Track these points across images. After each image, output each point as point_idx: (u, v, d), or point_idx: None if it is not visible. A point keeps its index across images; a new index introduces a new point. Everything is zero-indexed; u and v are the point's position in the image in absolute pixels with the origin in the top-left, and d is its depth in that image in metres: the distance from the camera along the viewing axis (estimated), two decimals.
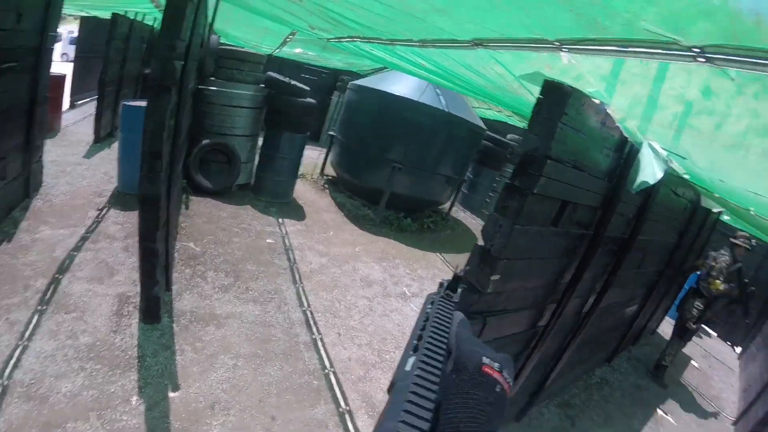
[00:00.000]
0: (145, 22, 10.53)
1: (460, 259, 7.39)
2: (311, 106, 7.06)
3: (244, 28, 7.84)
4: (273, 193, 7.21)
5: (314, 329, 4.24)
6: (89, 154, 7.25)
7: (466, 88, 4.73)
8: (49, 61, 5.02)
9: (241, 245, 5.42)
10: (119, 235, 4.84)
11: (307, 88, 7.21)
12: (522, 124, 10.88)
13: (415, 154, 7.69)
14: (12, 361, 2.97)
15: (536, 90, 2.36)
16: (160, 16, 10.11)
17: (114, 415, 2.77)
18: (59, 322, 3.41)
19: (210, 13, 5.64)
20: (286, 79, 7.01)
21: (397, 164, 7.49)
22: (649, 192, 3.27)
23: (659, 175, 2.39)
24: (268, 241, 5.78)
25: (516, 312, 2.84)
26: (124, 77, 9.09)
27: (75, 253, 4.35)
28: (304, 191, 8.30)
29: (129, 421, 2.77)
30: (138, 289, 3.71)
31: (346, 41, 4.78)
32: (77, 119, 9.36)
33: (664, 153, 2.49)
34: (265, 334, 3.94)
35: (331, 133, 9.08)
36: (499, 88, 3.42)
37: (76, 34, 12.07)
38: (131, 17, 9.14)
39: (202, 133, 6.39)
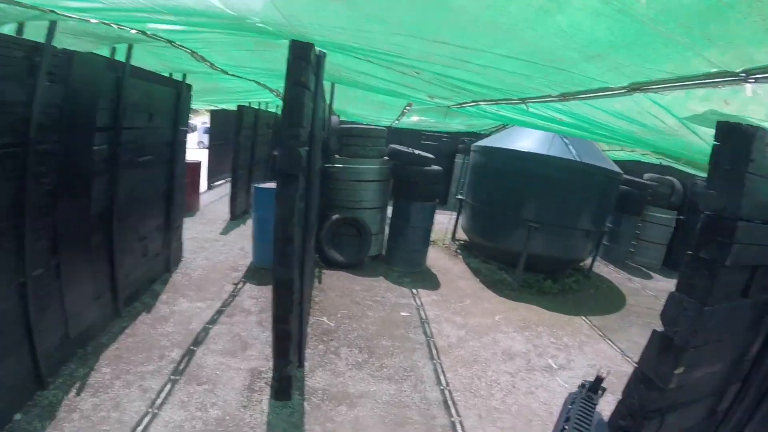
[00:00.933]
0: (269, 109, 11.77)
1: (608, 322, 6.56)
2: (437, 173, 7.10)
3: (361, 105, 8.28)
4: (406, 263, 7.20)
5: (453, 411, 3.90)
6: (225, 231, 7.99)
7: (608, 137, 4.29)
8: (183, 151, 5.84)
9: (375, 319, 5.38)
10: (254, 309, 5.10)
11: (432, 156, 7.27)
12: (658, 161, 9.74)
13: (550, 210, 7.19)
14: (140, 428, 3.12)
15: (703, 130, 1.98)
16: (280, 102, 11.26)
17: None
18: (190, 393, 3.56)
19: (328, 96, 6.00)
20: (410, 150, 7.17)
21: (532, 223, 7.05)
22: None
23: None
24: (402, 314, 5.67)
25: (696, 402, 2.30)
26: (254, 160, 10.18)
27: (210, 325, 4.65)
28: (436, 258, 8.17)
29: None
30: (270, 364, 3.79)
31: (469, 106, 4.70)
32: (214, 199, 10.55)
33: None
34: (400, 416, 3.70)
35: (460, 197, 8.96)
36: (654, 131, 2.98)
37: (208, 124, 14.21)
38: (255, 107, 10.28)
39: (332, 209, 6.71)
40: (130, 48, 4.25)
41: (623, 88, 2.03)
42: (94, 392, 3.46)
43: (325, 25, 2.51)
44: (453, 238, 9.36)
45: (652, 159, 9.45)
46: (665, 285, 9.40)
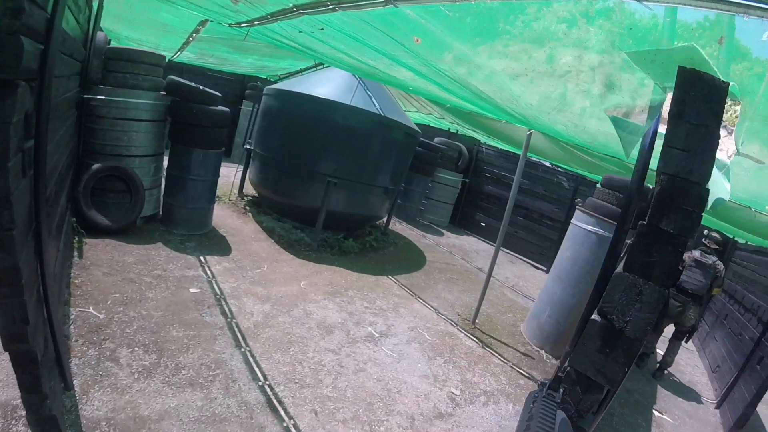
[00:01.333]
0: None
1: (414, 280, 6.65)
2: (225, 114, 5.83)
3: (140, 28, 6.39)
4: (188, 224, 5.87)
5: (282, 412, 3.17)
6: None
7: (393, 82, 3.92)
8: None
9: (158, 302, 4.13)
10: None
11: (218, 94, 5.96)
12: (447, 126, 10.48)
13: (350, 165, 6.77)
14: None
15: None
16: None
17: None
18: None
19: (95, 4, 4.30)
20: (193, 84, 5.72)
21: (332, 178, 6.53)
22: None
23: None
24: (191, 290, 4.53)
25: None
26: None
27: None
28: (223, 217, 7.01)
29: None
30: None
31: (277, 20, 3.73)
32: None
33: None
34: None
35: (248, 146, 7.83)
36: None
37: None
38: None
39: (92, 156, 4.95)
40: None
41: None
42: None
43: None
44: (240, 193, 8.27)
45: (444, 124, 10.05)
46: (456, 241, 10.26)
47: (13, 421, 2.46)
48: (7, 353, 2.05)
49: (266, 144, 7.23)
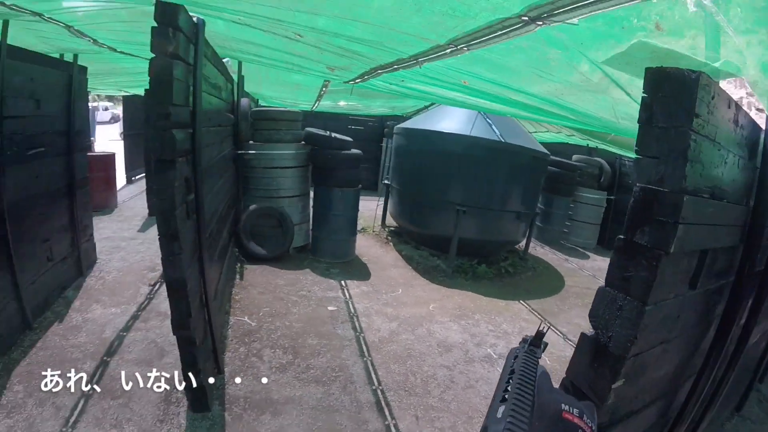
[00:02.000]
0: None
1: (547, 305, 6.53)
2: (356, 157, 6.72)
3: (275, 87, 7.77)
4: (332, 253, 6.81)
5: (387, 413, 3.60)
6: (144, 228, 7.33)
7: (523, 106, 4.08)
8: (83, 141, 5.18)
9: (300, 316, 4.98)
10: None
11: (349, 139, 6.88)
12: (584, 142, 9.99)
13: (476, 193, 7.05)
14: None
15: (632, 83, 1.70)
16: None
17: None
18: (105, 409, 3.19)
19: (235, 76, 5.51)
20: (326, 133, 6.75)
21: (461, 207, 6.88)
22: None
23: None
24: (329, 308, 5.30)
25: (642, 410, 2.08)
26: None
27: (124, 333, 4.20)
28: (367, 247, 7.84)
29: None
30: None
31: (370, 77, 4.35)
32: (134, 194, 9.72)
33: None
34: (328, 423, 3.37)
35: (386, 181, 8.66)
36: (569, 86, 2.70)
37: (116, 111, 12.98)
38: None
39: (249, 199, 6.23)
40: (5, 25, 3.63)
41: (517, 16, 1.60)
42: (7, 413, 3.07)
43: None
44: (383, 224, 9.08)
45: (579, 140, 9.69)
46: (602, 264, 9.64)
47: (174, 391, 3.38)
48: (176, 344, 2.95)
49: (400, 178, 7.94)
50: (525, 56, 2.29)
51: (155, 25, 2.31)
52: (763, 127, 2.01)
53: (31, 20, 3.49)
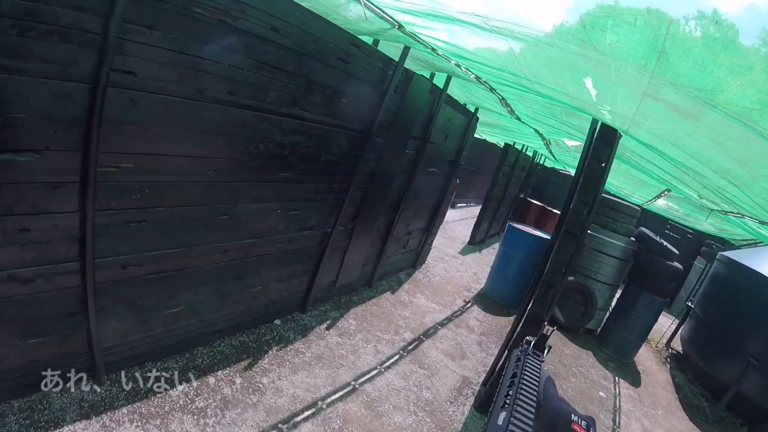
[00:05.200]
0: (527, 152, 12.25)
1: None
2: (677, 271, 6.72)
3: (620, 176, 8.16)
4: (616, 349, 7.03)
5: None
6: (464, 252, 8.81)
7: None
8: (458, 171, 6.77)
9: (575, 386, 5.52)
10: (477, 330, 5.71)
11: (676, 252, 6.89)
12: None
13: None
14: (368, 376, 3.92)
15: None
16: (542, 149, 11.54)
17: None
18: (412, 371, 4.26)
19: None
20: (658, 238, 6.91)
21: (752, 359, 6.13)
22: None
23: None
24: (600, 393, 5.65)
25: None
26: (504, 196, 10.80)
27: (439, 327, 5.38)
28: (645, 357, 7.72)
29: None
30: (481, 378, 4.32)
31: (734, 216, 4.47)
32: (455, 219, 11.54)
33: None
34: None
35: (689, 304, 8.15)
36: None
37: None
38: (518, 147, 10.84)
39: (569, 272, 6.97)
40: (448, 79, 5.11)
41: None
42: (339, 333, 4.45)
43: (638, 123, 2.88)
44: (668, 344, 8.59)
45: None
46: None
47: (466, 387, 4.34)
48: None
49: (706, 307, 7.42)
50: None
51: (597, 138, 3.33)
52: None
53: (477, 85, 4.70)
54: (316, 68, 3.18)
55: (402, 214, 5.45)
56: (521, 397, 0.78)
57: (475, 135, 13.60)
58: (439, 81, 5.18)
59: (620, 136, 3.83)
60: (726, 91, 1.78)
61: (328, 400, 3.51)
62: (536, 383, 0.87)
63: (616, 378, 6.33)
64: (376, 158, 4.44)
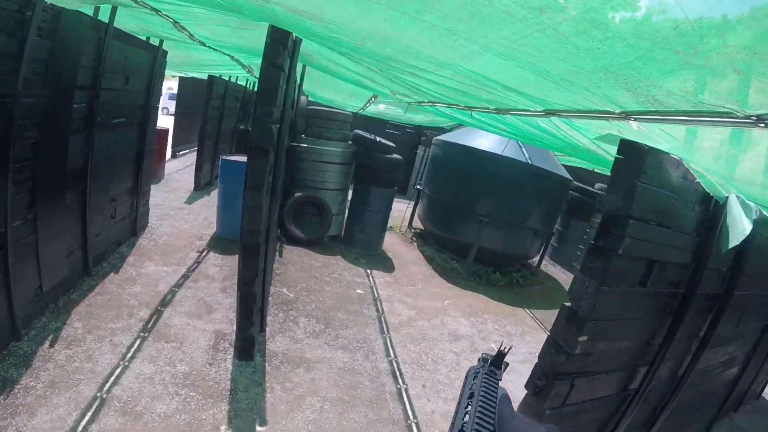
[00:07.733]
0: (239, 82, 11.75)
1: (549, 316, 7.07)
2: (397, 162, 7.49)
3: (330, 90, 8.59)
4: (363, 245, 7.59)
5: (400, 380, 4.32)
6: (190, 200, 8.19)
7: (545, 145, 4.82)
8: (155, 116, 6.00)
9: (331, 294, 5.75)
10: (218, 277, 5.40)
11: (393, 145, 7.69)
12: (608, 173, 10.44)
13: (502, 208, 7.73)
14: (112, 378, 3.38)
15: (613, 149, 2.42)
16: (250, 78, 11.22)
17: None
18: (159, 350, 3.84)
19: (299, 76, 6.26)
20: (372, 137, 7.54)
21: (484, 218, 7.58)
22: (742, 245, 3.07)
23: (748, 228, 2.31)
24: (357, 291, 6.06)
25: (606, 374, 2.76)
26: (221, 132, 10.33)
27: (176, 289, 4.92)
28: (392, 244, 8.59)
29: None
30: (234, 327, 4.10)
31: (426, 105, 5.12)
32: (179, 168, 10.64)
33: (753, 205, 2.41)
34: (352, 381, 4.09)
35: (418, 187, 9.42)
36: (575, 148, 3.49)
37: (174, 91, 14.05)
38: (225, 78, 10.32)
39: (295, 187, 7.04)
40: (114, 10, 4.31)
41: (540, 112, 2.47)
42: (67, 345, 3.66)
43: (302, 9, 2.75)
44: (410, 225, 9.82)
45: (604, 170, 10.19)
46: None
47: (222, 341, 4.15)
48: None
49: (432, 186, 8.69)
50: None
51: (268, 42, 3.12)
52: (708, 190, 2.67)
53: (146, 12, 4.02)
54: None
55: (94, 181, 4.52)
56: (478, 420, 0.74)
57: (184, 74, 12.56)
58: (104, 15, 4.29)
59: (298, 40, 3.78)
60: None
61: (79, 428, 2.88)
62: (493, 405, 0.82)
63: (369, 271, 6.89)
64: (34, 124, 3.47)
